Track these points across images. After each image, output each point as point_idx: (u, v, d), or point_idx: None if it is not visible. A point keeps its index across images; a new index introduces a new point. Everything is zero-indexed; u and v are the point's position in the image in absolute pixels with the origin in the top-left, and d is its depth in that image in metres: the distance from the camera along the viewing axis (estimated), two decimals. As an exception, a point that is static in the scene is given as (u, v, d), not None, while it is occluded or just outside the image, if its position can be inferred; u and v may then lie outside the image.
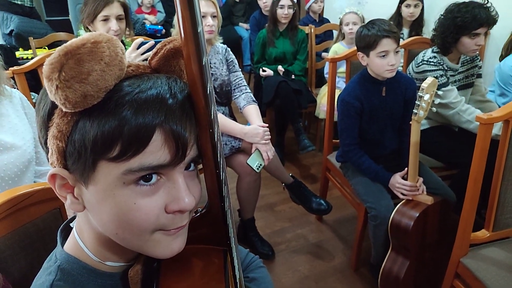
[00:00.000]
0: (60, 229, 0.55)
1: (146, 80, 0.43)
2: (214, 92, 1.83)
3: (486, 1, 1.74)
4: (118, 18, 1.72)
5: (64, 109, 0.40)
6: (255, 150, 1.72)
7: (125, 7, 1.76)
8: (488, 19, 1.68)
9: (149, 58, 0.49)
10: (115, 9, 1.70)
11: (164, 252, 0.46)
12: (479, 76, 2.01)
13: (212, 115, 0.42)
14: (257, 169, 1.72)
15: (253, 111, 1.84)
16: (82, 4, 1.75)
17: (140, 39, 1.56)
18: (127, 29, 1.81)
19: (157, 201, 0.43)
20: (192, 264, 0.50)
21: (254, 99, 1.90)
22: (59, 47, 0.37)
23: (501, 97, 2.15)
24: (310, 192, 1.89)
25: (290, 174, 1.92)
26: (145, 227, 0.44)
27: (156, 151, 0.41)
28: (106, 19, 1.69)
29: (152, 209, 0.43)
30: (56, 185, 0.45)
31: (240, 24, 4.37)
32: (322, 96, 2.70)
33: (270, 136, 1.75)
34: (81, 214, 0.50)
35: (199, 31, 0.36)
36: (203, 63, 0.38)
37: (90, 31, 1.75)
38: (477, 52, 1.93)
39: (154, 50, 0.49)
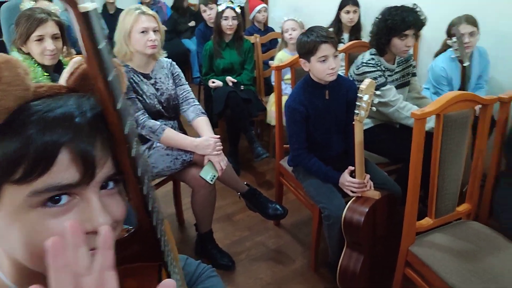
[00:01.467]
0: None
1: (57, 100, 0.43)
2: (161, 107, 1.82)
3: (415, 6, 1.87)
4: (54, 37, 1.65)
5: None
6: (207, 162, 1.72)
7: (61, 26, 1.70)
8: (416, 22, 1.80)
9: (66, 78, 0.48)
10: (49, 28, 1.64)
11: None
12: (414, 74, 2.15)
13: (126, 130, 0.41)
14: (211, 180, 1.71)
15: (203, 123, 1.83)
16: (14, 24, 1.68)
17: (78, 58, 1.51)
18: (65, 47, 1.75)
19: (67, 222, 0.42)
20: (125, 285, 0.49)
21: (203, 111, 1.90)
22: None
23: (435, 95, 2.30)
24: (266, 199, 1.91)
25: (245, 183, 1.93)
26: None
27: (63, 170, 0.40)
28: (40, 39, 1.62)
29: (62, 231, 0.42)
30: None
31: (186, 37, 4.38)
32: (272, 104, 2.74)
33: (222, 147, 1.75)
34: None
35: (100, 47, 0.36)
36: (109, 79, 0.38)
37: (23, 52, 1.67)
38: (410, 53, 2.06)
39: (71, 69, 0.49)
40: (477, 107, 1.48)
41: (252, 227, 2.17)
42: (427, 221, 1.47)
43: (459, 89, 2.20)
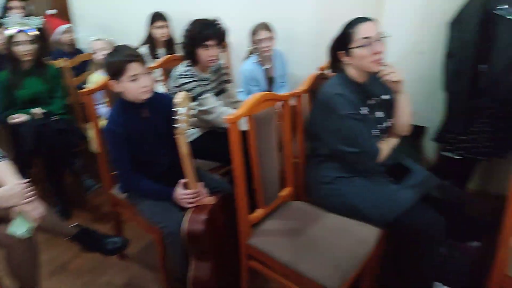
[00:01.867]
0: None
1: None
2: None
3: (216, 19, 2.00)
4: None
5: None
6: (17, 214, 1.45)
7: None
8: (214, 34, 1.95)
9: None
10: None
11: None
12: (228, 81, 2.32)
13: None
14: (27, 234, 1.45)
15: (2, 170, 1.53)
16: None
17: None
18: None
19: None
20: None
21: (2, 155, 1.60)
22: None
23: (249, 95, 2.54)
24: (101, 235, 1.74)
25: (75, 224, 1.72)
26: None
27: None
28: None
29: None
30: None
31: None
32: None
33: (33, 192, 1.50)
34: None
35: None
36: None
37: None
38: (220, 62, 2.20)
39: None
40: (280, 103, 1.69)
41: (93, 269, 1.96)
42: (258, 213, 1.59)
43: (267, 90, 2.48)
